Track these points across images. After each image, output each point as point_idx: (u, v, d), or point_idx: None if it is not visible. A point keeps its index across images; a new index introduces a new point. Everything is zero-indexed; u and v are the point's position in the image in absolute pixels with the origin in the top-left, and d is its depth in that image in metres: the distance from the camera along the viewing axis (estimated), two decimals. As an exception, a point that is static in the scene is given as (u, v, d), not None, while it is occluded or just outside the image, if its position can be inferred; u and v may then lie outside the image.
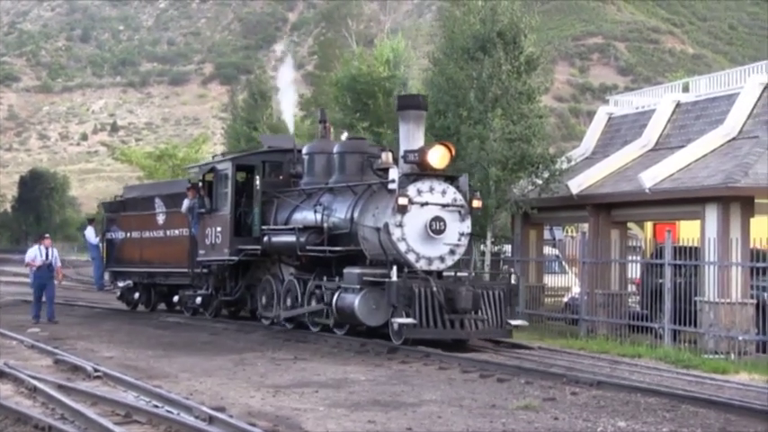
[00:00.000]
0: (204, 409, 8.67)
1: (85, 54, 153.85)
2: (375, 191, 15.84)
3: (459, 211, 15.17)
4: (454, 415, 9.39)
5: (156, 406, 9.30)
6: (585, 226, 20.66)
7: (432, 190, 15.07)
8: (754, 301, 15.50)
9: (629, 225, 20.28)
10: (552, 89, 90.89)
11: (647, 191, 17.06)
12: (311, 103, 43.98)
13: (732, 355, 14.56)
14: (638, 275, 18.39)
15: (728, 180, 15.68)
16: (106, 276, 25.40)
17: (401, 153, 15.33)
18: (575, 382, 11.32)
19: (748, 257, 15.42)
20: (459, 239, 15.18)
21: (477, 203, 15.41)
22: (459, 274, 15.51)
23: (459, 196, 15.21)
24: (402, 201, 14.72)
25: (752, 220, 16.07)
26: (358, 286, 14.90)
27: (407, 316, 14.12)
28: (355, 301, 14.77)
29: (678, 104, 20.18)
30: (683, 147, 18.13)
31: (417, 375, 12.27)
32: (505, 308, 14.91)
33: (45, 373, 11.62)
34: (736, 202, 15.97)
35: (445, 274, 15.30)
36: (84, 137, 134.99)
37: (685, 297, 15.64)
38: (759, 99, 17.90)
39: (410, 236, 14.88)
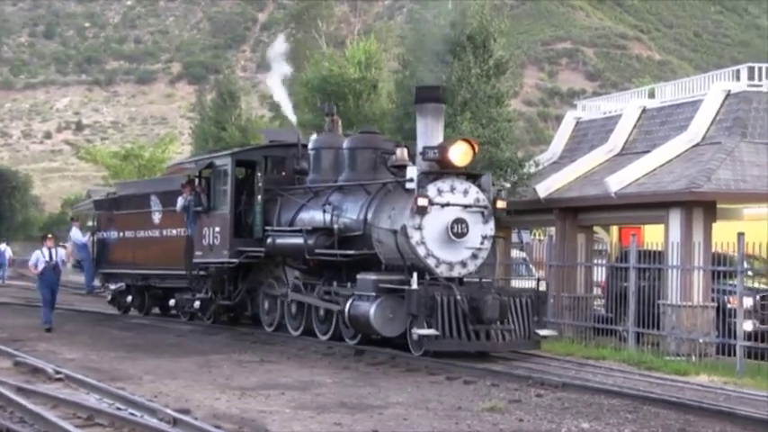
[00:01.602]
0: (168, 411, 8.63)
1: (49, 51, 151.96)
2: (390, 190, 14.86)
3: (483, 213, 14.19)
4: (420, 417, 9.42)
5: (120, 408, 9.24)
6: (552, 229, 20.79)
7: (453, 189, 14.08)
8: (715, 305, 15.70)
9: (596, 229, 20.45)
10: (521, 93, 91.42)
11: (612, 195, 17.20)
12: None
13: (693, 357, 14.72)
14: (604, 279, 18.55)
15: (692, 185, 15.87)
16: (96, 281, 24.62)
17: (419, 149, 14.35)
18: (540, 383, 11.42)
19: (710, 261, 15.61)
20: (482, 243, 14.19)
21: (501, 204, 14.38)
22: (484, 280, 14.47)
23: (482, 196, 14.24)
24: (422, 201, 13.67)
25: (714, 224, 16.28)
26: (373, 293, 13.88)
27: (429, 326, 13.13)
28: (370, 309, 13.73)
29: (644, 110, 20.38)
30: (648, 152, 18.32)
31: (384, 377, 12.29)
32: (533, 317, 13.99)
33: (4, 375, 11.45)
34: (699, 207, 16.17)
35: (467, 280, 14.25)
36: (48, 135, 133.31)
37: (649, 300, 15.79)
38: (722, 106, 18.13)
39: (430, 239, 13.86)
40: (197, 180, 18.98)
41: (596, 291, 18.96)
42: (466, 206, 14.13)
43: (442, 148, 14.06)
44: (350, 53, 31.13)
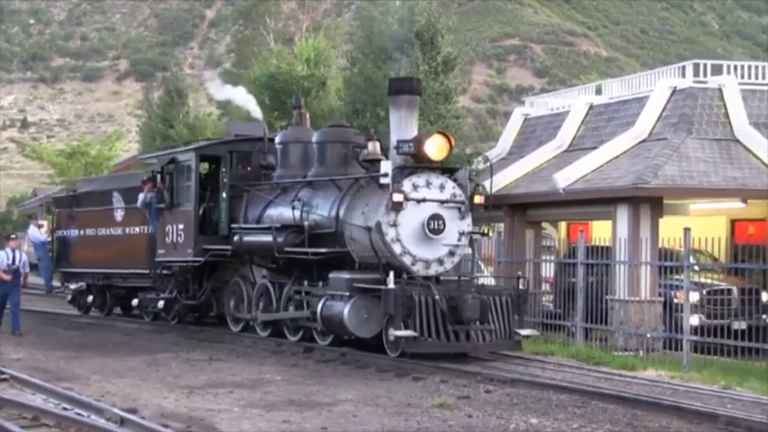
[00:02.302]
0: (116, 410, 8.52)
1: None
2: (363, 185, 14.31)
3: (459, 208, 13.77)
4: (369, 414, 9.41)
5: (66, 408, 9.10)
6: (501, 225, 20.93)
7: (429, 184, 13.60)
8: (662, 299, 15.91)
9: (544, 225, 20.62)
10: (469, 90, 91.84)
11: (560, 191, 17.36)
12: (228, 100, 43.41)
13: (641, 352, 14.89)
14: (552, 274, 18.71)
15: (639, 181, 16.08)
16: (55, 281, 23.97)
17: (393, 143, 13.77)
18: (489, 380, 11.47)
19: (657, 257, 15.83)
20: (460, 239, 13.76)
21: (479, 199, 13.97)
22: (462, 278, 14.04)
23: (459, 191, 13.82)
24: (397, 197, 13.18)
25: (661, 220, 16.51)
26: (347, 293, 13.41)
27: (406, 327, 12.68)
28: (344, 309, 13.27)
29: (591, 106, 20.60)
30: (595, 148, 18.52)
31: (333, 375, 12.26)
32: (514, 316, 13.59)
33: (-53, 376, 11.22)
34: (646, 202, 16.39)
35: (444, 278, 13.81)
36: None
37: (597, 296, 15.96)
38: (668, 102, 18.40)
39: (405, 236, 13.39)
40: (159, 176, 18.39)
41: (545, 287, 19.13)
42: (442, 202, 13.72)
43: (418, 142, 13.55)
44: (298, 50, 31.03)
